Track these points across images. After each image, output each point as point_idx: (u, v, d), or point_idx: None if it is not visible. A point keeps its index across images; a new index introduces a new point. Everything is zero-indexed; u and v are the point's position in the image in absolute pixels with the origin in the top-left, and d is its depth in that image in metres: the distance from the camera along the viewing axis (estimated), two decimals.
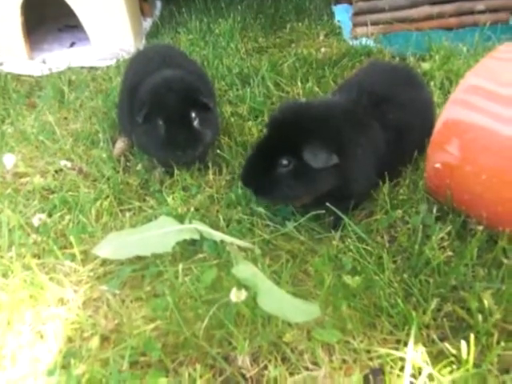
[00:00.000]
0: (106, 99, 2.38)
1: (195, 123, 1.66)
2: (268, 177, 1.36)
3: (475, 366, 1.02)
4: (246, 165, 1.42)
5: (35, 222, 1.58)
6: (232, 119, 2.08)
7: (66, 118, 2.34)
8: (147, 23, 3.51)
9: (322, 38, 2.96)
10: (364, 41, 2.80)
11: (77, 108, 2.40)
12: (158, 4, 3.88)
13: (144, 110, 1.63)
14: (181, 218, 1.50)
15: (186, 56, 2.15)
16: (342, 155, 1.33)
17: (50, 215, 1.64)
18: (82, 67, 2.93)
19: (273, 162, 1.35)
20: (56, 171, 1.90)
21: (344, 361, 1.11)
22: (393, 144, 1.47)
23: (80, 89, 2.58)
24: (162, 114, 1.63)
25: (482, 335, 1.09)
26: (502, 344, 1.05)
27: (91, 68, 2.91)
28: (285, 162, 1.34)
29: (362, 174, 1.42)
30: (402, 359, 1.06)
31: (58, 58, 3.06)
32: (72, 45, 3.27)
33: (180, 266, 1.32)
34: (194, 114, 1.65)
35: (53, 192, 1.77)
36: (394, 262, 1.34)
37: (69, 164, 1.90)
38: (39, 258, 1.47)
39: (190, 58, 2.18)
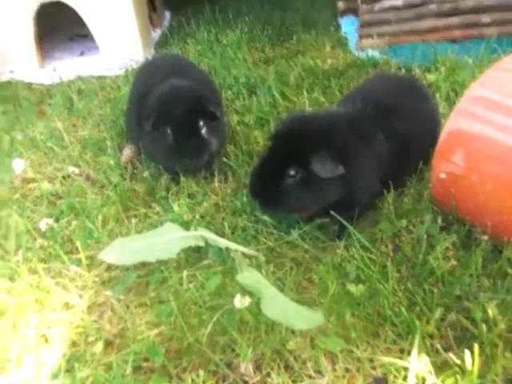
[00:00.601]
0: (115, 107, 2.41)
1: (203, 132, 1.67)
2: (276, 188, 1.35)
3: (479, 376, 1.02)
4: (253, 177, 1.42)
5: (42, 226, 1.60)
6: (238, 128, 2.09)
7: (74, 126, 2.37)
8: (156, 33, 3.56)
9: (328, 49, 2.99)
10: (370, 52, 2.82)
11: (85, 116, 2.43)
12: (167, 15, 3.94)
13: (152, 118, 1.65)
14: (186, 225, 1.51)
15: (194, 66, 2.18)
16: (348, 165, 1.33)
17: (57, 220, 1.66)
18: (92, 76, 2.97)
19: (280, 173, 1.35)
20: (64, 177, 1.92)
21: (347, 369, 1.11)
22: (398, 154, 1.48)
23: (89, 97, 2.61)
24: (170, 122, 1.65)
25: (487, 346, 1.09)
26: (507, 355, 1.05)
27: (100, 77, 2.95)
28: (292, 172, 1.34)
29: (366, 184, 1.43)
30: (406, 369, 1.06)
31: (68, 66, 3.11)
32: (82, 54, 3.33)
33: (185, 273, 1.33)
34: (201, 123, 1.67)
35: (60, 198, 1.80)
36: (398, 271, 1.33)
37: (76, 170, 1.93)
38: (45, 262, 1.48)
39: (198, 67, 2.21)
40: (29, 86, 2.91)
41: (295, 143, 1.35)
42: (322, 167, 1.31)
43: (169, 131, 1.65)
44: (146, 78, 1.98)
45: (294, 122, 1.43)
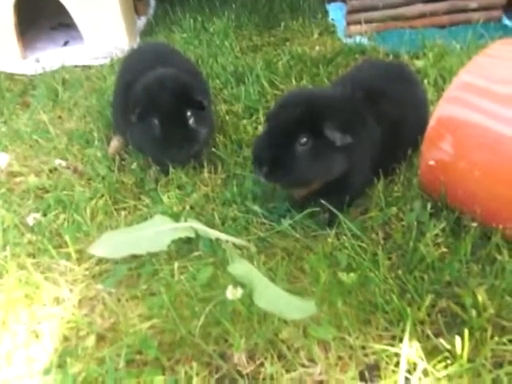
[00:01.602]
0: (101, 98, 2.38)
1: (190, 121, 1.66)
2: (285, 156, 1.31)
3: (469, 360, 1.03)
4: (259, 145, 1.37)
5: (30, 221, 1.58)
6: (227, 117, 2.08)
7: (60, 117, 2.33)
8: (141, 22, 3.50)
9: (316, 36, 2.96)
10: (358, 39, 2.80)
11: (71, 107, 2.39)
12: (152, 2, 3.87)
13: (138, 109, 1.63)
14: (176, 217, 1.50)
15: (180, 54, 2.15)
16: (351, 136, 1.33)
17: (44, 214, 1.63)
18: (76, 66, 2.91)
19: (289, 141, 1.31)
20: (50, 170, 1.90)
21: (340, 357, 1.12)
22: (387, 140, 1.48)
23: (74, 88, 2.57)
24: (157, 112, 1.62)
25: (476, 330, 1.10)
26: (496, 339, 1.06)
27: (85, 67, 2.90)
28: (303, 139, 1.31)
29: (361, 166, 1.44)
30: (397, 355, 1.07)
31: (51, 56, 3.04)
32: (66, 43, 3.26)
33: (176, 265, 1.33)
34: (189, 113, 1.65)
35: (47, 191, 1.77)
36: (389, 258, 1.34)
37: (63, 163, 1.90)
38: (34, 257, 1.46)
39: (184, 56, 2.17)
40: (11, 77, 2.85)
41: (305, 112, 1.32)
42: (334, 134, 1.30)
43: (156, 122, 1.63)
44: (131, 67, 1.94)
45: (301, 93, 1.43)
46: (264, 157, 1.33)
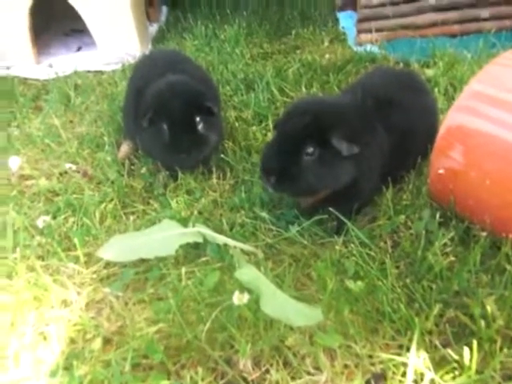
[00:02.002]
0: (112, 103, 2.40)
1: (199, 127, 1.67)
2: (293, 166, 1.32)
3: (478, 372, 1.02)
4: (267, 156, 1.38)
5: (40, 224, 1.59)
6: (236, 124, 2.09)
7: (71, 122, 2.36)
8: (153, 28, 3.54)
9: (326, 44, 2.98)
10: (368, 47, 2.81)
11: (82, 112, 2.42)
12: (164, 9, 3.92)
13: (149, 114, 1.65)
14: (184, 222, 1.50)
15: (192, 61, 2.17)
16: (358, 145, 1.33)
17: (54, 217, 1.65)
18: (88, 71, 2.95)
19: (297, 150, 1.32)
20: (61, 174, 1.91)
21: (346, 366, 1.11)
22: (396, 148, 1.47)
23: (86, 93, 2.60)
24: (167, 118, 1.64)
25: (485, 341, 1.09)
26: (505, 351, 1.05)
27: (97, 72, 2.94)
28: (310, 150, 1.32)
29: (370, 174, 1.43)
30: (405, 365, 1.06)
31: (64, 62, 3.08)
32: (78, 49, 3.30)
33: (183, 269, 1.33)
34: (198, 119, 1.66)
35: (57, 194, 1.79)
36: (397, 267, 1.33)
37: (74, 167, 1.92)
38: (43, 259, 1.48)
39: (195, 63, 2.19)
40: (24, 81, 2.89)
41: (312, 121, 1.33)
42: (341, 144, 1.30)
43: (165, 127, 1.64)
44: (142, 73, 1.96)
45: (309, 102, 1.44)
46: (271, 167, 1.34)
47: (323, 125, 1.32)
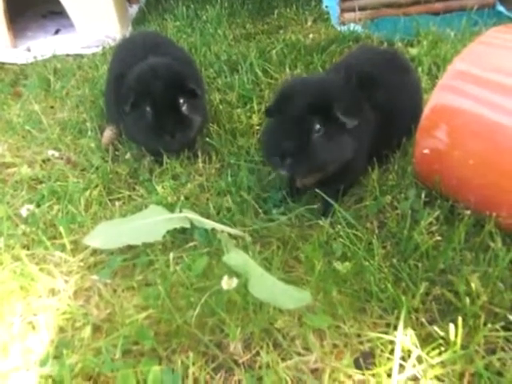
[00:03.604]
0: (93, 87, 2.35)
1: (183, 109, 1.65)
2: (305, 144, 1.32)
3: (463, 347, 1.04)
4: (274, 137, 1.37)
5: (23, 212, 1.57)
6: (221, 106, 2.06)
7: (52, 107, 2.31)
8: (133, 9, 3.46)
9: (309, 23, 2.94)
10: (352, 26, 2.79)
11: (63, 97, 2.37)
12: None
13: (131, 98, 1.62)
14: (171, 207, 1.49)
15: (173, 43, 2.13)
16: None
17: (38, 205, 1.62)
18: (68, 55, 2.88)
19: (305, 129, 1.33)
20: (44, 161, 1.88)
21: (335, 345, 1.13)
22: (380, 128, 1.47)
23: (66, 77, 2.54)
24: (150, 101, 1.62)
25: (470, 317, 1.11)
26: (489, 325, 1.07)
27: (77, 56, 2.87)
28: (318, 126, 1.33)
29: (361, 152, 1.44)
30: (392, 342, 1.08)
31: (42, 45, 3.01)
32: (57, 32, 3.22)
33: (171, 255, 1.33)
34: (181, 100, 1.65)
35: (41, 182, 1.76)
36: (384, 247, 1.35)
37: (56, 153, 1.89)
38: (28, 248, 1.46)
39: (176, 44, 2.15)
40: (1, 66, 2.81)
41: (314, 100, 1.34)
42: (346, 114, 1.33)
43: (149, 110, 1.62)
44: (123, 56, 1.93)
45: (303, 82, 1.44)
46: (285, 150, 1.33)
47: (325, 102, 1.33)
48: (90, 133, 1.98)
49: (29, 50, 2.96)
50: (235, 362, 1.11)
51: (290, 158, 1.32)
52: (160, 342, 1.16)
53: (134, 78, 1.67)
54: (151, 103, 1.62)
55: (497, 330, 1.09)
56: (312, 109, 1.33)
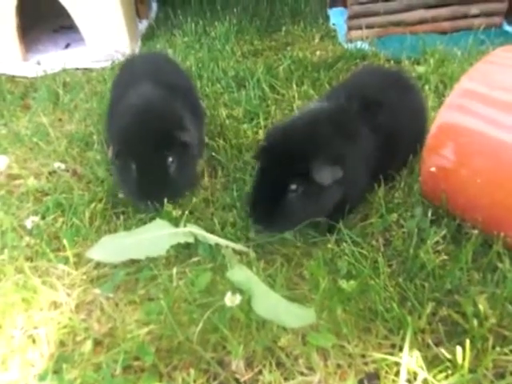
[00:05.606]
0: (101, 101, 2.37)
1: (171, 170, 1.54)
2: (280, 207, 1.31)
3: (470, 371, 1.02)
4: (253, 201, 1.36)
5: (28, 224, 1.56)
6: (227, 122, 2.07)
7: (60, 120, 2.32)
8: (143, 25, 3.51)
9: (317, 41, 2.97)
10: (359, 44, 2.81)
11: (71, 110, 2.39)
12: (154, 6, 3.88)
13: (115, 149, 1.53)
14: (175, 222, 1.48)
15: (174, 66, 2.04)
16: (341, 165, 1.31)
17: (43, 217, 1.62)
18: (77, 69, 2.91)
19: (280, 190, 1.31)
20: (50, 173, 1.89)
21: (339, 365, 1.11)
22: (385, 147, 1.46)
23: (75, 90, 2.56)
24: (135, 156, 1.51)
25: (477, 340, 1.09)
26: (497, 349, 1.05)
27: (86, 70, 2.90)
28: (294, 186, 1.30)
29: (357, 179, 1.42)
30: (397, 364, 1.06)
31: (52, 59, 3.04)
32: (67, 46, 3.26)
33: (174, 270, 1.32)
34: (170, 159, 1.53)
35: (46, 194, 1.76)
36: (390, 265, 1.33)
37: (63, 166, 1.89)
38: (32, 260, 1.45)
39: (177, 67, 2.06)
40: (12, 79, 2.84)
41: (289, 158, 1.30)
42: (322, 175, 1.27)
43: (133, 167, 1.52)
44: (121, 80, 1.92)
45: (279, 137, 1.37)
46: (260, 215, 1.33)
47: (303, 162, 1.28)
48: (96, 146, 1.99)
49: (39, 63, 3.00)
50: (237, 380, 1.09)
51: (261, 223, 1.34)
52: (161, 358, 1.14)
53: (120, 127, 1.57)
54: (136, 160, 1.51)
55: (506, 354, 1.06)
56: (288, 167, 1.29)
